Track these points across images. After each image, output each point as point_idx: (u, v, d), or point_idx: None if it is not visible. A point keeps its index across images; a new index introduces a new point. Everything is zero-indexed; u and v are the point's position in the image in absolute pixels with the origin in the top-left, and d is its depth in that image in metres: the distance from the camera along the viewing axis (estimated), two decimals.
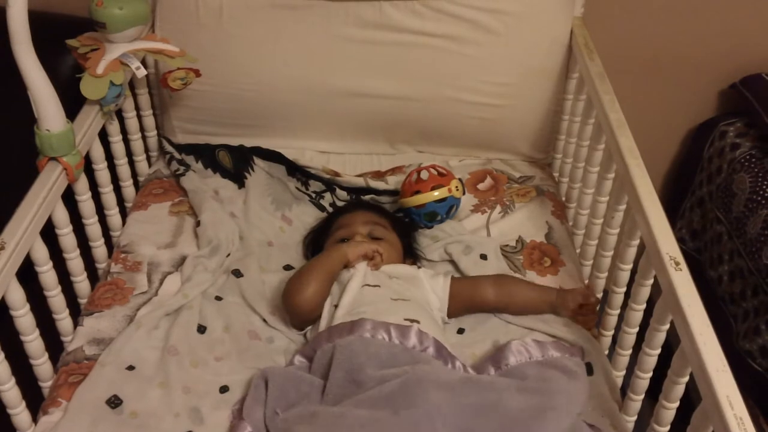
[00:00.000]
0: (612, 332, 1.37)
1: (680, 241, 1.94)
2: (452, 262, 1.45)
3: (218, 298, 1.36)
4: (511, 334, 1.28)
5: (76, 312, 1.35)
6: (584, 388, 1.12)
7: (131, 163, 1.64)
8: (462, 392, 1.05)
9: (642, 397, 1.22)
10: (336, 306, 1.24)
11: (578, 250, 1.54)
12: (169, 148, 1.68)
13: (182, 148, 1.69)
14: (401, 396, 1.03)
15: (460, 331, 1.32)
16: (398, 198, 1.54)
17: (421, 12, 1.57)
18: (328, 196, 1.62)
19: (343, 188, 1.62)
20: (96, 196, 1.44)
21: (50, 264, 1.24)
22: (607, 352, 1.37)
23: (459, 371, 1.16)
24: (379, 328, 1.15)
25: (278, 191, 1.62)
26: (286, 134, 1.72)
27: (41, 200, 1.20)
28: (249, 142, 1.69)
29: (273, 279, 1.41)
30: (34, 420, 1.18)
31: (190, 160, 1.66)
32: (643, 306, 1.23)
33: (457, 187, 1.50)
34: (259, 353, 1.27)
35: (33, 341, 1.20)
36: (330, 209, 1.59)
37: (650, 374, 1.19)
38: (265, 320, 1.33)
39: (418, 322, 1.18)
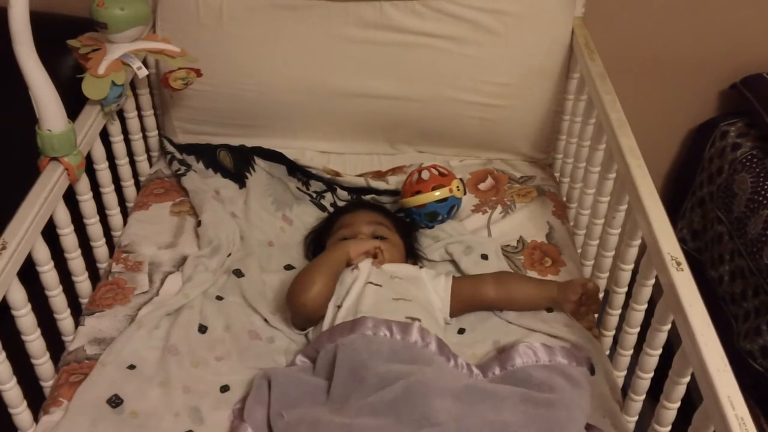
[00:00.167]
0: (613, 332, 1.37)
1: (681, 241, 1.94)
2: (453, 262, 1.45)
3: (219, 298, 1.36)
4: (511, 334, 1.28)
5: (77, 312, 1.35)
6: (588, 400, 1.11)
7: (132, 163, 1.64)
8: (465, 400, 1.04)
9: (643, 397, 1.22)
10: (339, 306, 1.24)
11: (579, 251, 1.54)
12: (170, 148, 1.68)
13: (183, 148, 1.69)
14: (404, 403, 1.02)
15: (461, 331, 1.32)
16: (399, 198, 1.54)
17: (422, 12, 1.57)
18: (328, 196, 1.62)
19: (343, 188, 1.62)
20: (97, 196, 1.44)
21: (51, 264, 1.24)
22: (608, 352, 1.37)
23: (462, 369, 1.16)
24: (380, 325, 1.15)
25: (279, 191, 1.62)
26: (286, 134, 1.72)
27: (42, 200, 1.20)
28: (249, 142, 1.69)
29: (274, 279, 1.41)
30: (36, 419, 1.18)
31: (191, 160, 1.66)
32: (644, 306, 1.23)
33: (458, 187, 1.50)
34: (259, 353, 1.27)
35: (34, 341, 1.20)
36: (331, 209, 1.59)
37: (651, 374, 1.19)
38: (266, 320, 1.33)
39: (419, 320, 1.18)
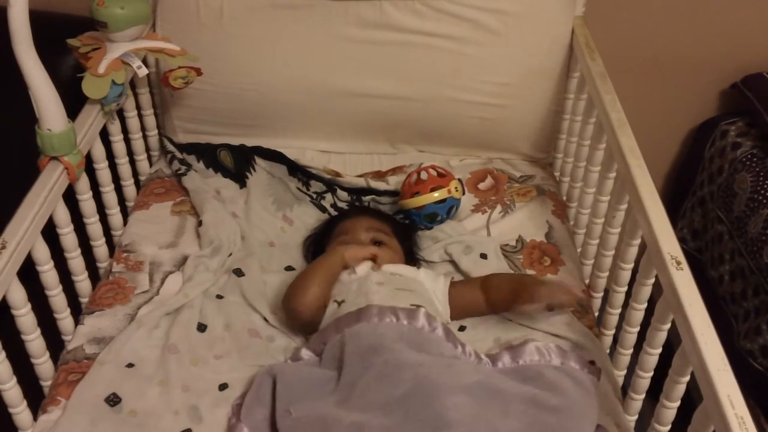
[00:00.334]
0: (613, 332, 1.37)
1: (681, 240, 1.94)
2: (452, 262, 1.45)
3: (219, 297, 1.36)
4: (512, 332, 1.28)
5: (76, 311, 1.35)
6: (596, 408, 1.10)
7: (132, 163, 1.64)
8: (476, 395, 1.04)
9: (643, 396, 1.22)
10: (341, 302, 1.23)
11: (579, 250, 1.54)
12: (170, 147, 1.68)
13: (183, 148, 1.69)
14: (415, 399, 1.02)
15: (462, 328, 1.31)
16: (398, 199, 1.54)
17: (422, 12, 1.57)
18: (329, 196, 1.62)
19: (344, 189, 1.62)
20: (97, 196, 1.44)
21: (51, 263, 1.24)
22: (608, 351, 1.36)
23: (470, 357, 1.16)
24: (386, 312, 1.15)
25: (279, 191, 1.62)
26: (286, 134, 1.72)
27: (42, 200, 1.20)
28: (250, 142, 1.69)
29: (274, 279, 1.40)
30: (35, 419, 1.18)
31: (191, 159, 1.66)
32: (644, 305, 1.23)
33: (456, 187, 1.50)
34: (259, 351, 1.27)
35: (34, 340, 1.20)
36: (331, 210, 1.59)
37: (651, 374, 1.19)
38: (266, 319, 1.33)
39: (424, 307, 1.19)
